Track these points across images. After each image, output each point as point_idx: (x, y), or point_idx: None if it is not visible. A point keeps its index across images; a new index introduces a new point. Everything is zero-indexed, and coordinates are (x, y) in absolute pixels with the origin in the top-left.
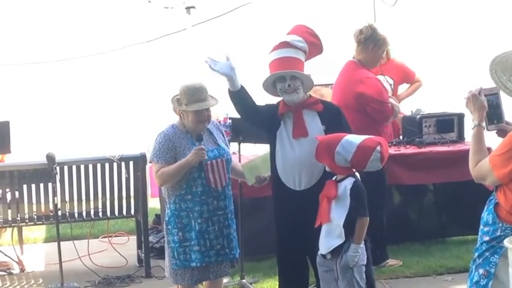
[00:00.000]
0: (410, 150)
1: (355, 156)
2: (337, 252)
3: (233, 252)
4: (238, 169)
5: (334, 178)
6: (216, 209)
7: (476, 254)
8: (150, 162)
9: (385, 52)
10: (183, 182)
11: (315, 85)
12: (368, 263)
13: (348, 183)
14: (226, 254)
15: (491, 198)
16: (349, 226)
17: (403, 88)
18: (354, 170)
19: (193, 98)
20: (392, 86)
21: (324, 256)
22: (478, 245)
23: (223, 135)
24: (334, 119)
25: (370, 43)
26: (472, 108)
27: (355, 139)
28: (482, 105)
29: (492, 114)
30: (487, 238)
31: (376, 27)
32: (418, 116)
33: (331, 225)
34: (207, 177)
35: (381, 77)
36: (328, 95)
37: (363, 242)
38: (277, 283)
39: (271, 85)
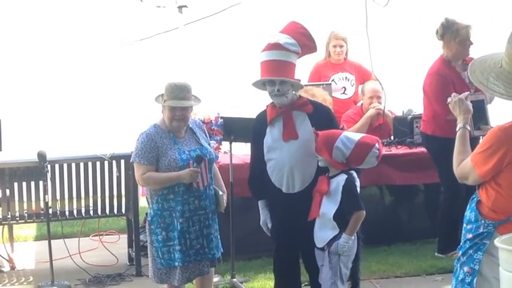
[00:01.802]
0: (402, 150)
1: (354, 153)
2: (331, 243)
3: (212, 252)
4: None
5: (326, 174)
6: (197, 208)
7: (460, 252)
8: (132, 162)
9: (345, 52)
10: None
11: (307, 84)
12: (356, 260)
13: (341, 179)
14: (206, 253)
15: (474, 196)
16: (340, 220)
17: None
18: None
19: (172, 94)
20: (353, 82)
21: (321, 249)
22: (461, 244)
23: (205, 135)
24: (324, 120)
25: (448, 37)
26: (457, 112)
27: (354, 136)
28: (468, 109)
29: (477, 120)
30: (470, 236)
31: (448, 21)
32: (410, 117)
33: (323, 219)
34: None
35: (342, 74)
36: (319, 95)
37: (356, 237)
38: (268, 282)
39: (261, 84)
